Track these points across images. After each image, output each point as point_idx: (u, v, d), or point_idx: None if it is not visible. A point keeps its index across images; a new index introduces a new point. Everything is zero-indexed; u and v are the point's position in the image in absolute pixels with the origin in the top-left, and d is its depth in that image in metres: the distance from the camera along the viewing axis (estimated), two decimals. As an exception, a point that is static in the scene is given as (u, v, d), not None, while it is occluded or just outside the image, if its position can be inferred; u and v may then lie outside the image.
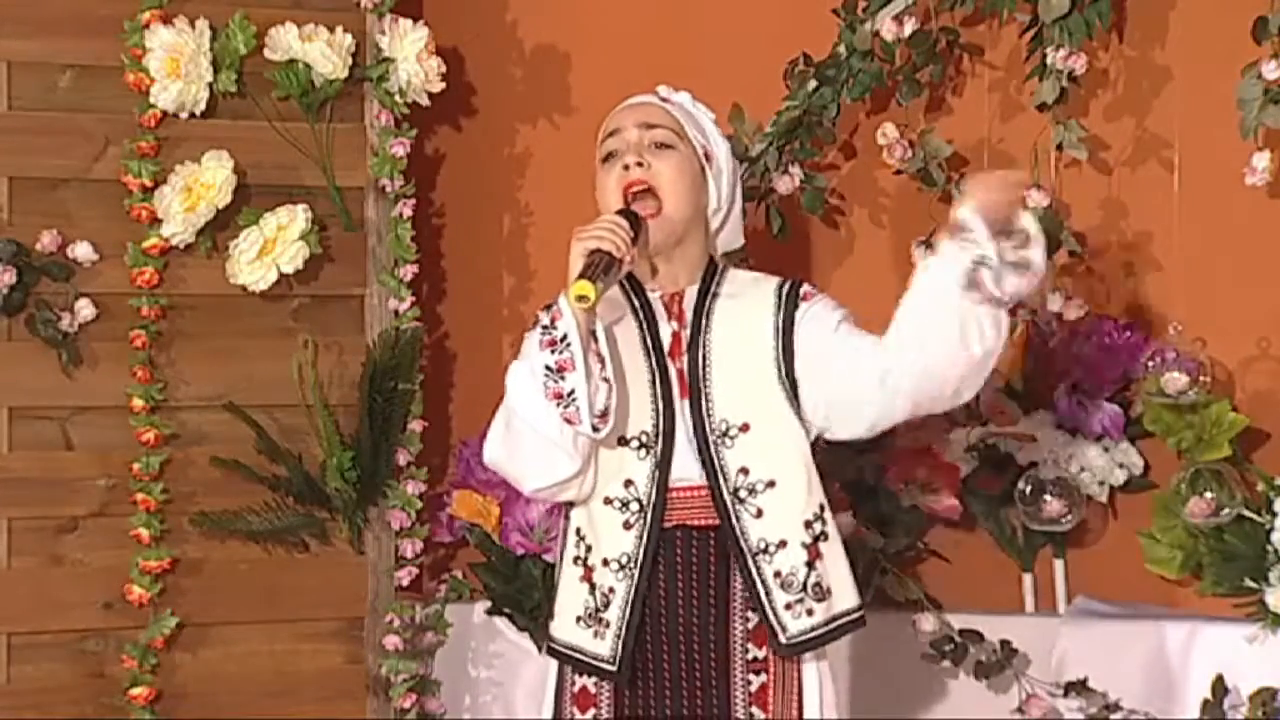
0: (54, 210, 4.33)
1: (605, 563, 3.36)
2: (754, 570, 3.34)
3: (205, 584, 4.43)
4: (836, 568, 3.38)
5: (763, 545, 3.35)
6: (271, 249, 4.41)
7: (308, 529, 4.50)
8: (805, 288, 3.44)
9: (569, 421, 3.27)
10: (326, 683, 4.53)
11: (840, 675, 3.55)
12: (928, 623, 4.11)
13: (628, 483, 3.36)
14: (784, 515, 3.36)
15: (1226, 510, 3.87)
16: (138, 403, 4.36)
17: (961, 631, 4.10)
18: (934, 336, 3.29)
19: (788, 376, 3.39)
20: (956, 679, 4.13)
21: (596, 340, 3.29)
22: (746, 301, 3.43)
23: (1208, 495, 3.89)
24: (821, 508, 3.38)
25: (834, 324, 3.40)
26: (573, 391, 3.26)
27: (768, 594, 3.34)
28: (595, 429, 3.27)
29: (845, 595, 3.39)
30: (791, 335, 3.40)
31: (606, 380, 3.28)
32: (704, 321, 3.41)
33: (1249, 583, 3.84)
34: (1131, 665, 3.96)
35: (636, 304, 3.43)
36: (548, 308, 3.36)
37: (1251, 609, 3.85)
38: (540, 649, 4.46)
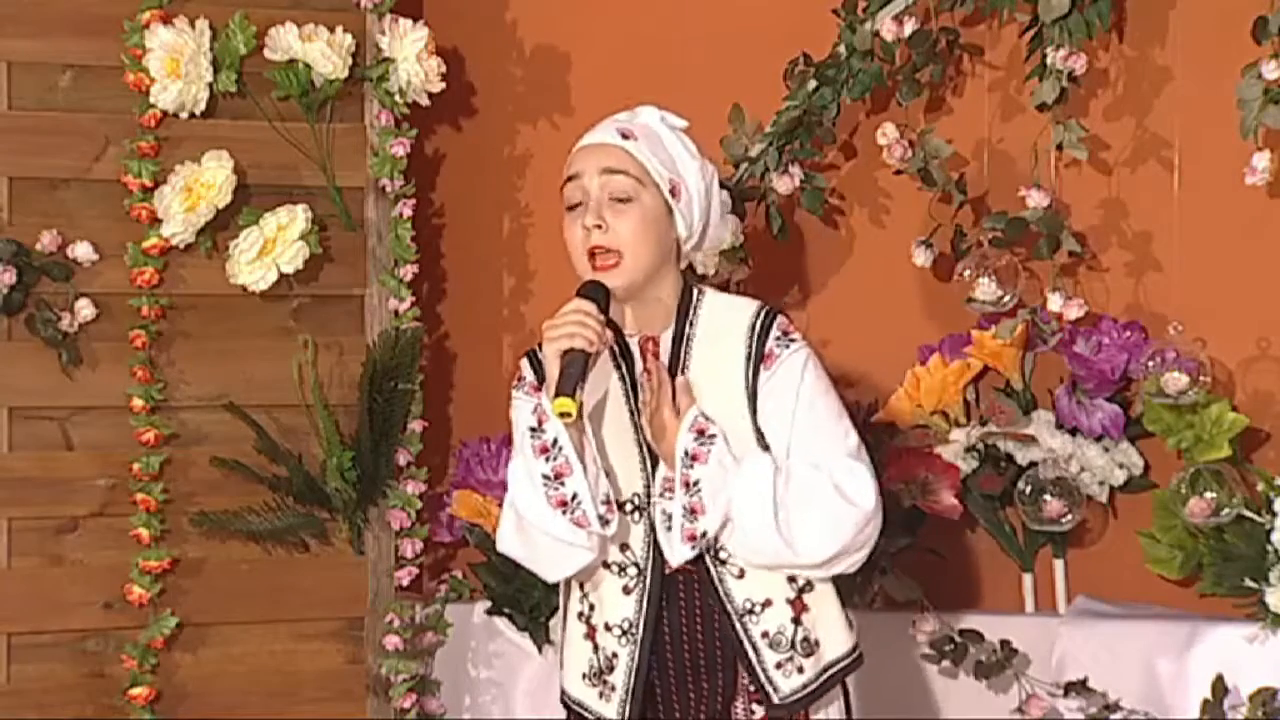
0: (54, 210, 4.33)
1: (608, 627, 3.35)
2: (741, 632, 3.33)
3: (205, 584, 4.43)
4: (824, 616, 3.37)
5: (748, 605, 3.33)
6: (271, 249, 4.41)
7: (308, 529, 4.50)
8: (771, 339, 3.34)
9: (578, 524, 3.26)
10: (326, 683, 4.53)
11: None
12: (928, 623, 4.11)
13: (624, 547, 3.35)
14: (765, 573, 3.34)
15: (1226, 510, 3.88)
16: (138, 403, 4.36)
17: (961, 631, 4.10)
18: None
19: (757, 430, 3.36)
20: (956, 679, 4.13)
21: (587, 434, 3.27)
22: (721, 347, 3.36)
23: (1208, 495, 3.89)
24: None
25: (789, 411, 3.33)
26: (575, 495, 3.26)
27: (757, 654, 3.33)
28: (605, 521, 3.27)
29: (835, 643, 3.38)
30: (755, 395, 3.35)
31: (600, 467, 3.28)
32: (680, 372, 3.35)
33: (1249, 583, 3.84)
34: (1131, 665, 3.96)
35: (617, 350, 3.39)
36: (529, 355, 3.34)
37: (1251, 609, 3.85)
38: (540, 649, 4.47)
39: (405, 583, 4.55)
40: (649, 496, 3.34)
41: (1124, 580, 4.16)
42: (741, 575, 3.33)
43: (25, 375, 4.31)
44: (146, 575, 4.35)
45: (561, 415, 3.20)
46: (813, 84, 4.31)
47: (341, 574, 4.54)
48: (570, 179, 3.37)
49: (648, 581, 3.33)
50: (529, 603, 4.46)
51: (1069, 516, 4.10)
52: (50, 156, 4.33)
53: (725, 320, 3.39)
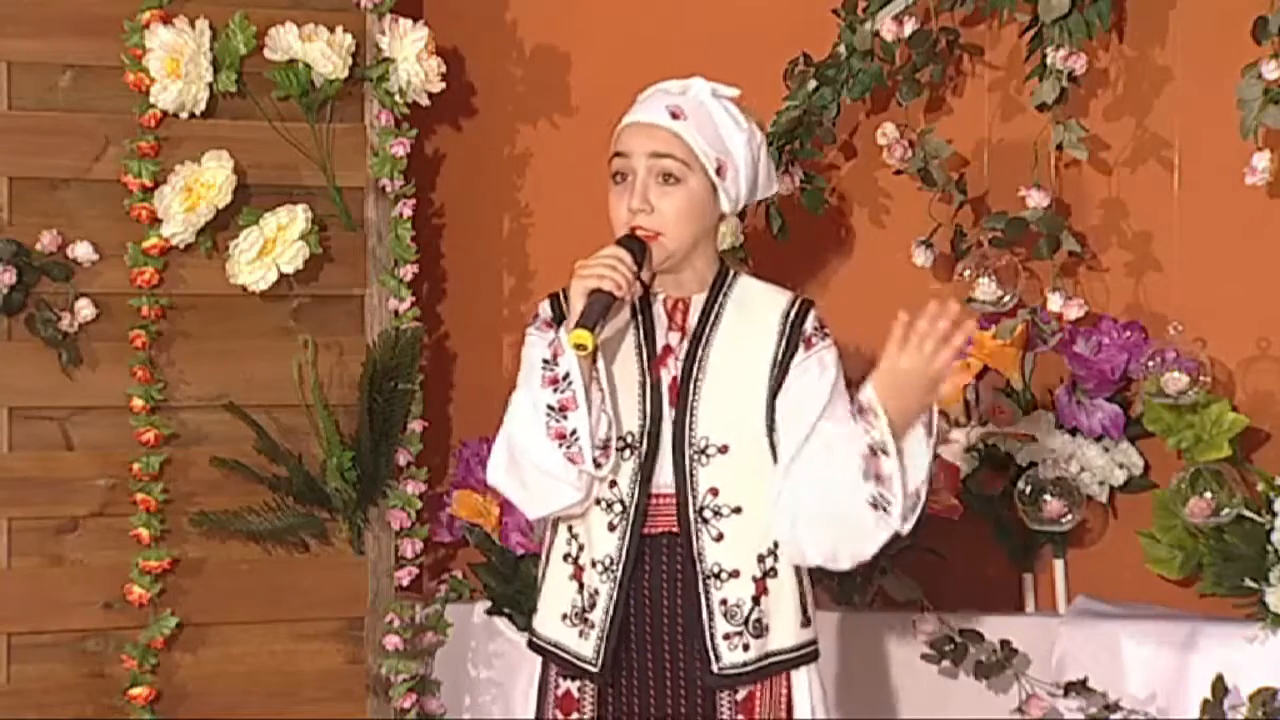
0: (54, 210, 4.33)
1: (593, 564, 3.36)
2: (701, 593, 3.34)
3: (205, 584, 4.43)
4: (780, 605, 3.37)
5: (715, 570, 3.34)
6: (271, 249, 4.41)
7: (308, 529, 4.49)
8: (809, 325, 3.39)
9: (572, 460, 3.28)
10: (326, 683, 4.53)
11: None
12: (928, 623, 4.11)
13: (612, 484, 3.36)
14: (741, 544, 3.36)
15: (1226, 510, 3.88)
16: (138, 403, 4.36)
17: (961, 631, 4.10)
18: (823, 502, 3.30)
19: (771, 411, 3.38)
20: (956, 679, 4.13)
21: (597, 372, 3.29)
22: (753, 322, 3.40)
23: (1208, 495, 3.89)
24: (775, 544, 3.38)
25: (822, 399, 3.35)
26: (575, 431, 3.27)
27: (711, 620, 3.34)
28: (598, 464, 3.29)
29: (783, 634, 3.38)
30: (785, 376, 3.38)
31: (606, 413, 3.29)
32: (707, 333, 3.40)
33: (1249, 583, 3.84)
34: (1131, 665, 3.96)
35: (637, 305, 3.42)
36: (552, 297, 3.37)
37: (1251, 609, 3.85)
38: (540, 649, 4.46)
39: (405, 583, 4.55)
40: (642, 439, 3.35)
41: (1124, 580, 4.16)
42: (719, 539, 3.35)
43: (25, 375, 4.31)
44: (146, 575, 4.35)
45: (577, 347, 3.22)
46: (813, 84, 4.31)
47: (341, 574, 4.54)
48: (617, 154, 3.40)
49: (630, 519, 3.34)
50: (529, 603, 4.44)
51: (1069, 516, 4.10)
52: (50, 156, 4.33)
53: (760, 300, 3.43)
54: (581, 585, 3.38)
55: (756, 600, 3.35)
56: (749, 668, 3.35)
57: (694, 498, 3.35)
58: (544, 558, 3.47)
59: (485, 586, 4.54)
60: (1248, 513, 3.87)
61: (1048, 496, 4.10)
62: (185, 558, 4.41)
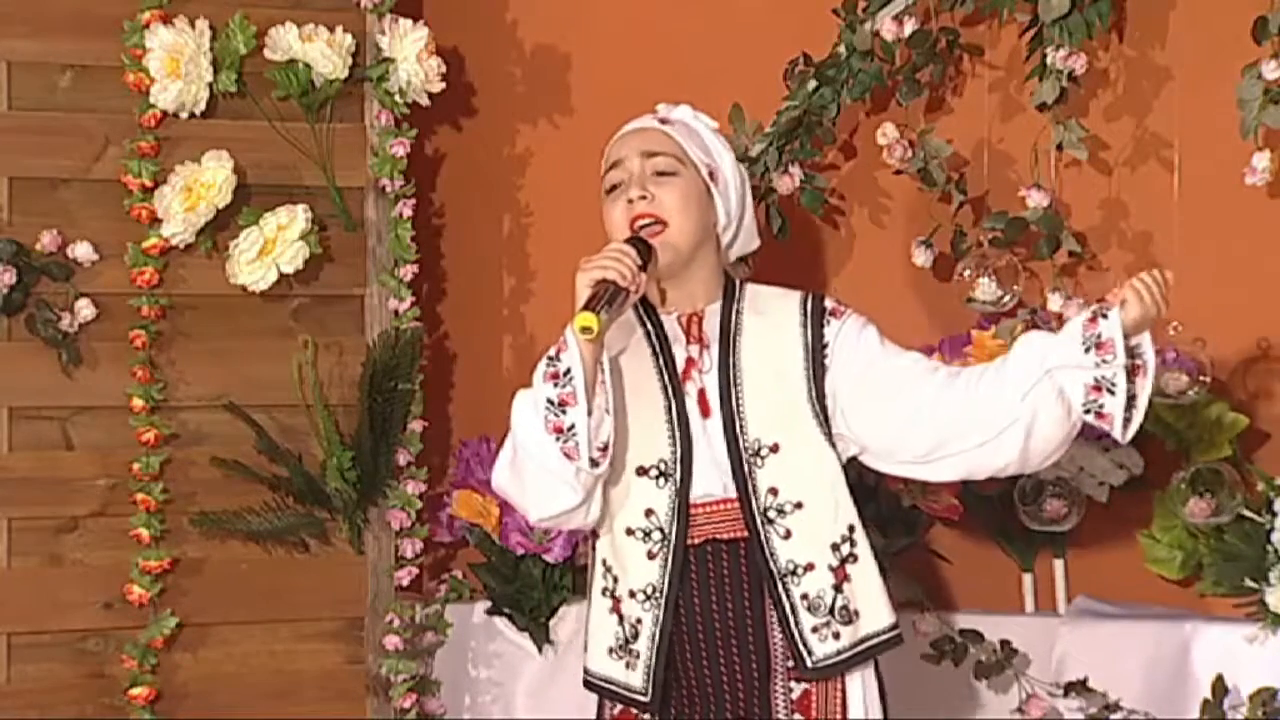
0: (54, 210, 4.33)
1: (632, 594, 3.38)
2: (782, 592, 3.35)
3: (205, 584, 4.43)
4: (866, 589, 3.40)
5: (791, 567, 3.36)
6: (271, 249, 4.41)
7: (308, 529, 4.49)
8: (829, 303, 3.46)
9: (568, 456, 3.28)
10: (326, 683, 4.53)
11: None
12: (928, 623, 4.11)
13: (648, 512, 3.37)
14: (811, 537, 3.38)
15: (1226, 510, 3.88)
16: (138, 403, 4.36)
17: (961, 631, 4.10)
18: (1004, 416, 3.35)
19: (818, 398, 3.40)
20: (956, 679, 4.13)
21: (602, 372, 3.29)
22: (773, 320, 3.44)
23: (1208, 495, 3.89)
24: (851, 529, 3.40)
25: (875, 344, 3.42)
26: (573, 426, 3.27)
27: (795, 616, 3.35)
28: (594, 463, 3.28)
29: (875, 616, 3.41)
30: (823, 355, 3.41)
31: (608, 413, 3.29)
32: (733, 340, 3.41)
33: (1249, 583, 3.84)
34: (1131, 665, 3.96)
35: (650, 328, 3.42)
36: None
37: (1251, 609, 3.85)
38: (540, 649, 4.46)
39: (405, 583, 4.54)
40: (676, 464, 3.36)
41: (1124, 580, 4.16)
42: (788, 536, 3.36)
43: (25, 375, 4.31)
44: (146, 575, 4.35)
45: (582, 330, 3.22)
46: (813, 84, 4.31)
47: (341, 574, 4.54)
48: (612, 166, 3.45)
49: (671, 547, 3.36)
50: (529, 603, 4.46)
51: (1069, 516, 4.10)
52: (50, 156, 4.33)
53: (774, 301, 3.48)
54: (621, 617, 3.39)
55: (838, 588, 3.37)
56: (844, 654, 3.37)
57: (756, 501, 3.37)
58: (588, 598, 3.49)
59: (485, 586, 4.54)
60: (1248, 513, 3.87)
61: (1048, 496, 4.10)
62: (185, 558, 4.41)
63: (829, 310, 3.45)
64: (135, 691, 4.34)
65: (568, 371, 3.27)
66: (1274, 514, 3.83)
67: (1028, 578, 4.29)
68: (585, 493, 3.33)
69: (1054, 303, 4.10)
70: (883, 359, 3.43)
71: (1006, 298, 4.13)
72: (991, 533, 4.29)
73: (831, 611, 3.36)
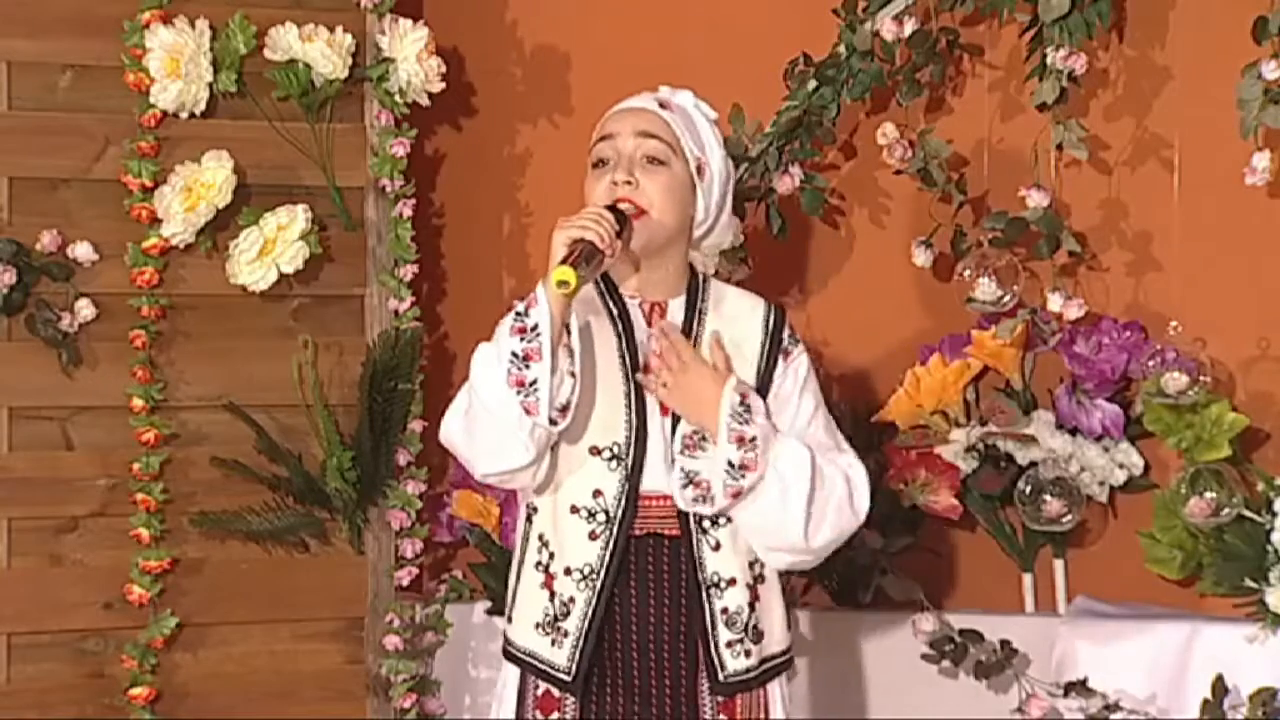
0: (54, 210, 4.33)
1: (567, 571, 3.34)
2: (705, 603, 3.34)
3: (205, 584, 4.43)
4: (770, 611, 3.40)
5: (715, 579, 3.35)
6: (271, 249, 4.41)
7: (308, 529, 4.50)
8: (786, 335, 3.44)
9: (527, 411, 3.23)
10: (326, 683, 4.53)
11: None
12: (928, 623, 4.11)
13: (596, 493, 3.34)
14: (736, 552, 3.36)
15: (1226, 510, 3.87)
16: (138, 403, 4.36)
17: (961, 631, 4.10)
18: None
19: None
20: (956, 679, 4.13)
21: (569, 333, 3.27)
22: (736, 325, 3.42)
23: (1208, 495, 3.89)
24: None
25: (807, 405, 3.42)
26: (535, 381, 3.23)
27: (714, 630, 3.34)
28: (553, 421, 3.25)
29: (776, 638, 3.41)
30: (769, 384, 3.40)
31: (572, 374, 3.26)
32: (695, 333, 3.40)
33: (1249, 583, 3.84)
34: (1131, 665, 3.96)
35: (615, 312, 3.41)
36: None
37: (1251, 609, 3.85)
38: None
39: (405, 583, 4.55)
40: (629, 450, 3.34)
41: (1124, 580, 4.15)
42: (717, 548, 3.35)
43: (25, 375, 4.31)
44: (146, 575, 4.35)
45: (559, 284, 3.20)
46: (813, 84, 4.31)
47: (341, 574, 4.54)
48: (603, 138, 3.42)
49: (615, 532, 3.32)
50: (529, 603, 4.46)
51: (1069, 516, 4.10)
52: (50, 156, 4.33)
53: (737, 305, 3.46)
54: (554, 593, 3.35)
55: (752, 607, 3.37)
56: (752, 674, 3.37)
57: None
58: (515, 567, 3.44)
59: (485, 586, 4.54)
60: (1248, 513, 3.87)
61: (1048, 496, 4.10)
62: (185, 558, 4.41)
63: (784, 344, 3.43)
64: (135, 691, 4.34)
65: (535, 327, 3.23)
66: (1274, 514, 3.83)
67: (1028, 578, 4.29)
68: (538, 452, 3.27)
69: (1054, 303, 4.09)
70: (797, 418, 3.41)
71: (1006, 298, 4.13)
72: (991, 533, 4.28)
73: (745, 628, 3.36)
